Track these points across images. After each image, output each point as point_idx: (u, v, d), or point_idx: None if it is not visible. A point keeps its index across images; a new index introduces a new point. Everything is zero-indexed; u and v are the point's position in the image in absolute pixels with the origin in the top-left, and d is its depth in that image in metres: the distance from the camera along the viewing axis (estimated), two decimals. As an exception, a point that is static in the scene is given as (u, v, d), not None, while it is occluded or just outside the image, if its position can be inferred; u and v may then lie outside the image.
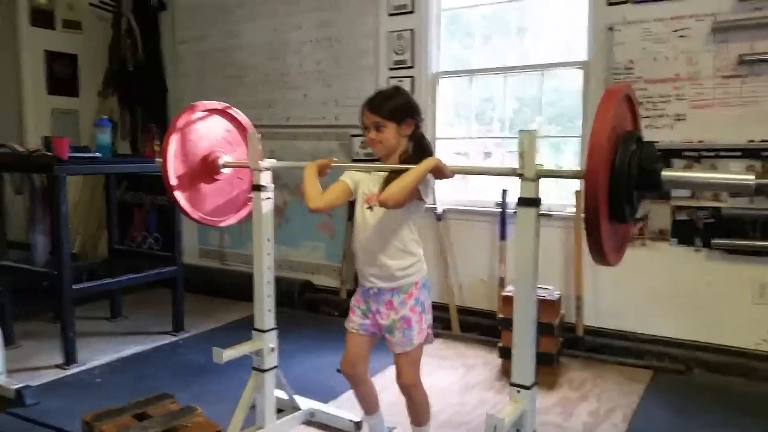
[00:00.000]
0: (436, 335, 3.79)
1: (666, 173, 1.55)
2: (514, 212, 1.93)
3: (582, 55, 3.65)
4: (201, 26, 5.08)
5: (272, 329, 2.50)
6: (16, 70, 4.94)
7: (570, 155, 3.83)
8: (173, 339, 3.82)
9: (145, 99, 5.31)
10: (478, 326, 3.89)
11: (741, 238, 3.23)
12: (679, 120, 3.33)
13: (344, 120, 4.40)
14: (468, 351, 3.64)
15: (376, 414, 2.40)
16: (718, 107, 3.22)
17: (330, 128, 4.48)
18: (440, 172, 1.99)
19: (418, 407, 2.29)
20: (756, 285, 3.23)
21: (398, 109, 2.12)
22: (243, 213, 2.62)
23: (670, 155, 3.33)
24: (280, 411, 2.60)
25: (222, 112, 2.55)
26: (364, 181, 2.19)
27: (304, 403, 2.71)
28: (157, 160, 2.52)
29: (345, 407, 2.79)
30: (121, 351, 3.56)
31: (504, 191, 3.74)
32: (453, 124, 4.24)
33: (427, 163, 1.98)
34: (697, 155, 3.29)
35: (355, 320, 2.27)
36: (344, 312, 4.24)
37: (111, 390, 3.01)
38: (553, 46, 3.82)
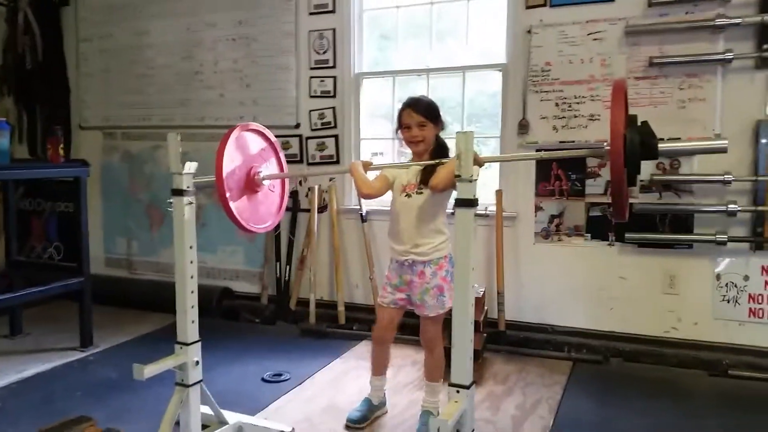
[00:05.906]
0: (359, 337, 3.79)
1: (661, 146, 1.85)
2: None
3: (501, 58, 3.72)
4: (106, 23, 4.80)
5: (196, 341, 2.37)
6: None
7: (488, 152, 3.87)
8: (82, 355, 3.55)
9: (45, 99, 4.93)
10: (406, 325, 3.86)
11: (650, 232, 3.40)
12: (593, 120, 3.46)
13: (264, 120, 4.21)
14: (396, 351, 3.59)
15: (383, 377, 2.80)
16: (630, 107, 3.34)
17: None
18: (474, 161, 2.21)
19: (435, 362, 2.67)
20: (666, 276, 3.41)
21: (435, 111, 2.57)
22: (278, 218, 2.76)
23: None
24: (205, 427, 2.46)
25: (256, 131, 2.65)
26: (401, 176, 2.59)
27: (231, 416, 2.58)
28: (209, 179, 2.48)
29: (274, 418, 2.69)
30: (24, 371, 3.28)
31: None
32: (374, 125, 4.21)
33: None
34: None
35: (387, 296, 2.66)
36: (266, 319, 4.21)
37: (15, 415, 2.76)
38: (474, 49, 3.86)
